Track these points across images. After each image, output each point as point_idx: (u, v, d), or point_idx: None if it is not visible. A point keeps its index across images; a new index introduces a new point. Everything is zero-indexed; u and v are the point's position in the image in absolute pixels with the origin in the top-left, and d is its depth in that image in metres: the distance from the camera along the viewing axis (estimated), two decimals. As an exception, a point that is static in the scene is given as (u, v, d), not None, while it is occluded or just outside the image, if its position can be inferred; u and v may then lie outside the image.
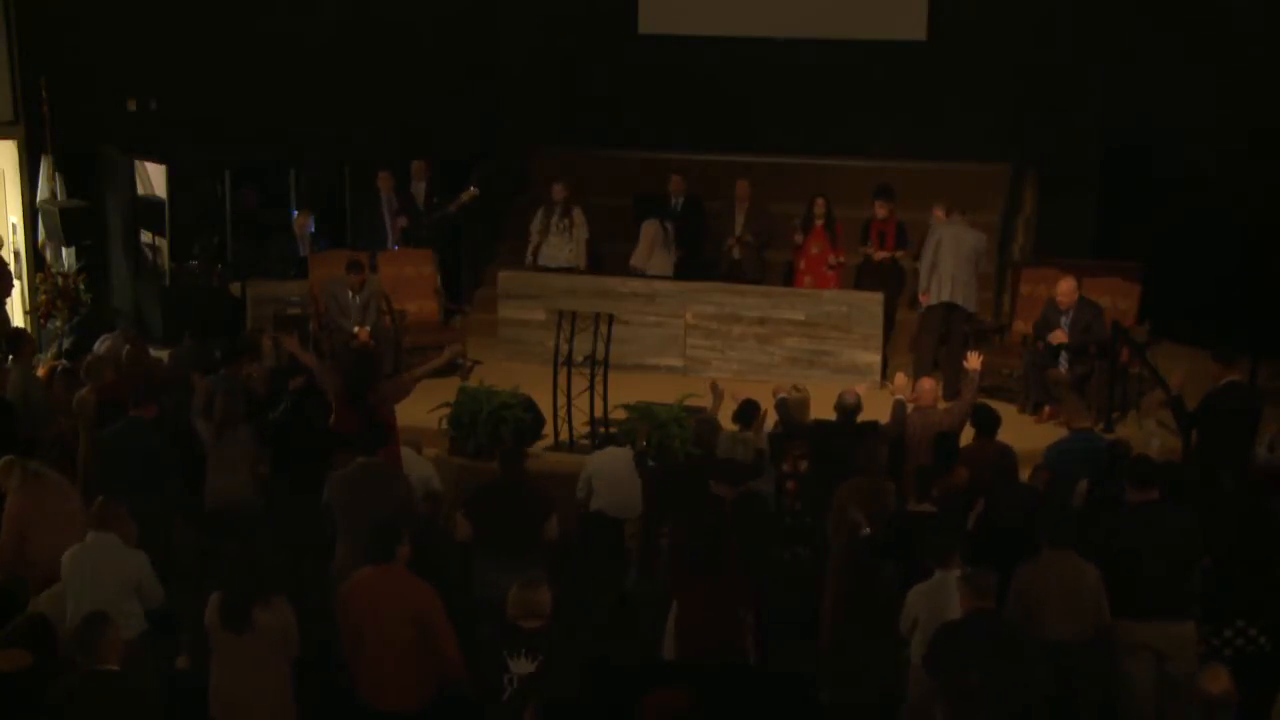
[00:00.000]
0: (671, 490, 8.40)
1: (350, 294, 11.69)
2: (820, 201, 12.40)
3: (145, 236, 13.61)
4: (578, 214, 13.11)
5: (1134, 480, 7.30)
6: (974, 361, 9.47)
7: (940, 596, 6.77)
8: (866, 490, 7.85)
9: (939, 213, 11.88)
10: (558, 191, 13.11)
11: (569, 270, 12.92)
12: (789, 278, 12.71)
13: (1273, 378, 10.21)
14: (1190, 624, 7.07)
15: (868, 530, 7.53)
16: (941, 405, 9.55)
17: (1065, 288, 10.94)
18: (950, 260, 11.41)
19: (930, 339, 11.60)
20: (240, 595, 6.34)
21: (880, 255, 12.34)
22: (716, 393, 9.30)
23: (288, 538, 8.01)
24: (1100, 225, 13.72)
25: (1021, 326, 11.70)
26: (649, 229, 12.82)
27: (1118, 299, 11.38)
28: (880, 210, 12.35)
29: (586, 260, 13.11)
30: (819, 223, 12.42)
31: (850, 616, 7.68)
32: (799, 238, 12.52)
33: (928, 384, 9.44)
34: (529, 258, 13.08)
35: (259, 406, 9.25)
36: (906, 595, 6.99)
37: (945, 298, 11.44)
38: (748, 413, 8.96)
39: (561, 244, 13.07)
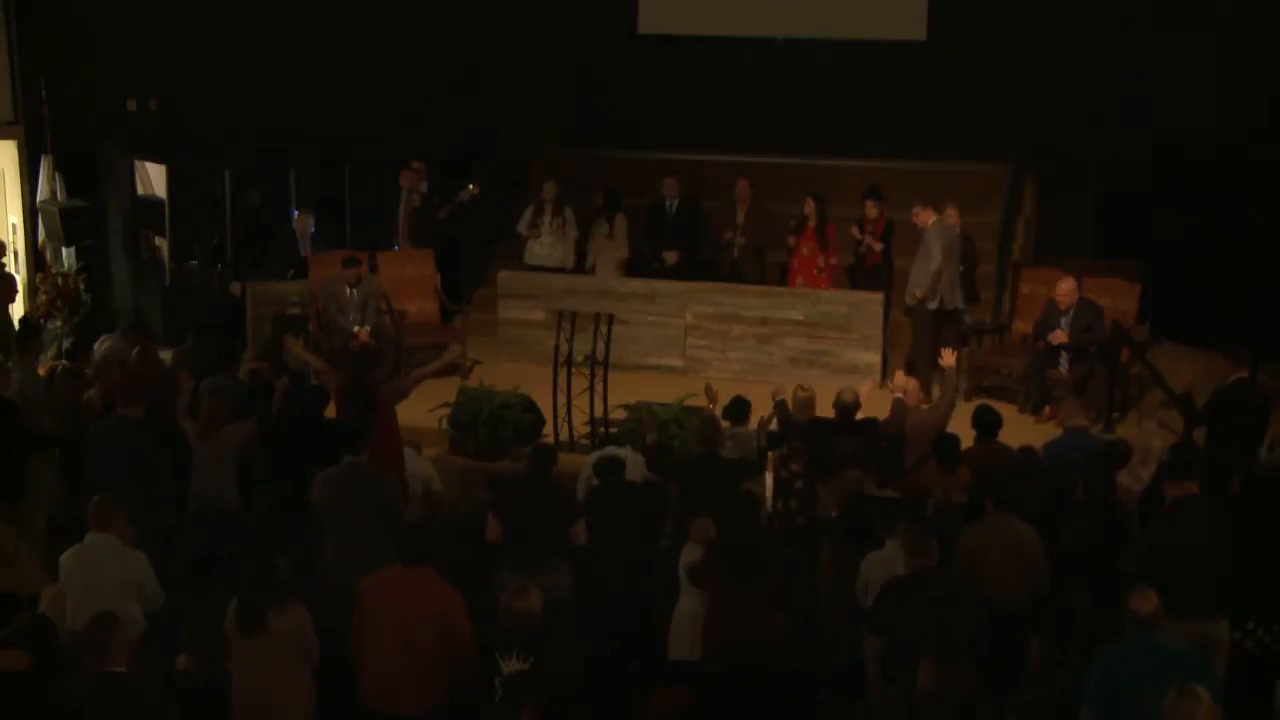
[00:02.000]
0: (680, 489, 8.41)
1: (348, 290, 11.68)
2: (810, 202, 12.39)
3: (145, 237, 13.61)
4: (569, 213, 13.11)
5: (1172, 473, 7.38)
6: (949, 359, 9.53)
7: (890, 564, 7.02)
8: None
9: (929, 216, 11.63)
10: (548, 190, 13.11)
11: (561, 270, 12.93)
12: (783, 279, 12.71)
13: (1273, 377, 10.20)
14: (1224, 623, 7.04)
15: (834, 513, 7.77)
16: (925, 405, 9.59)
17: (1065, 288, 10.94)
18: (951, 265, 11.41)
19: (932, 341, 11.56)
20: (255, 599, 6.29)
21: (870, 242, 12.27)
22: (711, 395, 9.30)
23: (277, 539, 8.02)
24: (1100, 225, 13.72)
25: (1021, 326, 11.71)
26: (603, 227, 12.98)
27: (1118, 299, 11.38)
28: (871, 210, 12.34)
29: (574, 260, 13.12)
30: (810, 224, 12.42)
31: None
32: (792, 240, 12.52)
33: (911, 385, 9.47)
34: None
35: (262, 407, 9.25)
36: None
37: (950, 304, 11.44)
38: (738, 409, 9.00)
39: (554, 244, 13.07)
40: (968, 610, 6.56)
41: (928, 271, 11.47)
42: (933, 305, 11.46)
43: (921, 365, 11.38)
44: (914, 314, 11.67)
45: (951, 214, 11.80)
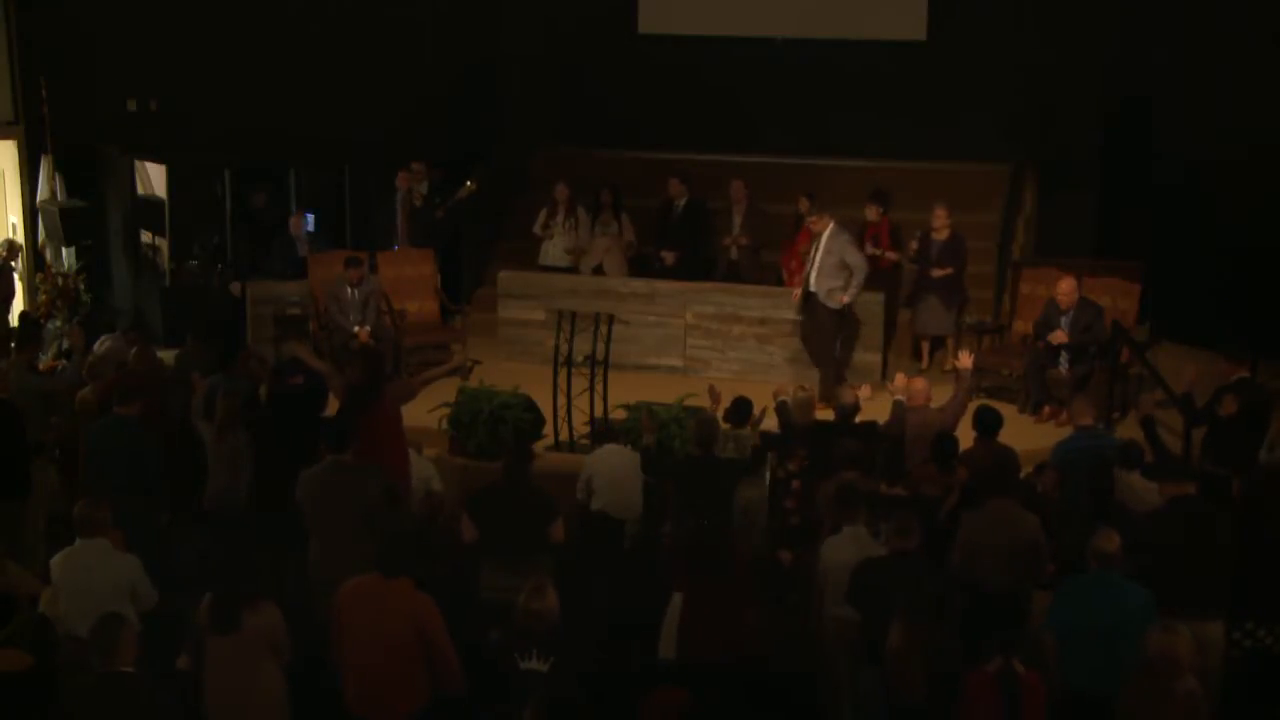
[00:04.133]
0: (676, 490, 8.40)
1: (349, 290, 11.72)
2: (804, 201, 12.36)
3: (145, 236, 13.61)
4: (581, 213, 13.14)
5: (1166, 474, 7.48)
6: (965, 360, 9.47)
7: (843, 549, 7.18)
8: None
9: (826, 224, 11.32)
10: (560, 191, 13.14)
11: (570, 270, 12.94)
12: (779, 279, 12.65)
13: (1273, 377, 10.21)
14: (1219, 623, 7.03)
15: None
16: (934, 405, 9.55)
17: (1065, 288, 10.94)
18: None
19: (834, 338, 11.55)
20: (228, 597, 6.30)
21: (887, 253, 12.25)
22: (714, 396, 9.30)
23: (273, 538, 8.00)
24: (1100, 225, 13.72)
25: (1021, 326, 11.70)
26: (612, 226, 13.05)
27: (1118, 299, 11.38)
28: (871, 214, 12.30)
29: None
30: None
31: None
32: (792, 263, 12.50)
33: (919, 384, 9.39)
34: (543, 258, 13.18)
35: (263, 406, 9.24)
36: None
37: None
38: (740, 411, 8.98)
39: (569, 243, 13.10)
40: (942, 592, 6.69)
41: (847, 276, 11.25)
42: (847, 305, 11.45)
43: (827, 361, 11.42)
44: (823, 314, 11.38)
45: (823, 222, 11.50)
